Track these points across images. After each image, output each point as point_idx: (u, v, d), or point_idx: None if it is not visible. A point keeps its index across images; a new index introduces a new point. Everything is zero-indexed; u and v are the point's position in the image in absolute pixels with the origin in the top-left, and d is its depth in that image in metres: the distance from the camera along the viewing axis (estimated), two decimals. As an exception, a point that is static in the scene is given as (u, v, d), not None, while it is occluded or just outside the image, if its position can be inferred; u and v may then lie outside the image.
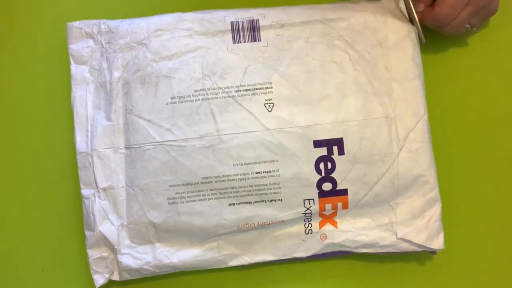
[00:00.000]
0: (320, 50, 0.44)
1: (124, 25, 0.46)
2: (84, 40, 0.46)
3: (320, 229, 0.45)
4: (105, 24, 0.46)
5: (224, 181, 0.43)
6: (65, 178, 0.49)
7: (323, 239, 0.45)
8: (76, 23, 0.46)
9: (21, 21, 0.51)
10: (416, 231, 0.44)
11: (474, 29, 0.47)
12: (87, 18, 0.47)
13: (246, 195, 0.43)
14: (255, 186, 0.43)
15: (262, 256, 0.45)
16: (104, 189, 0.44)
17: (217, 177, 0.43)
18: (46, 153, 0.49)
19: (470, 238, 0.48)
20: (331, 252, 0.45)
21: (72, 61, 0.46)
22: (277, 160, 0.43)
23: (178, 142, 0.43)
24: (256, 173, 0.43)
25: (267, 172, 0.43)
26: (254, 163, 0.43)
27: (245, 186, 0.43)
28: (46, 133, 0.50)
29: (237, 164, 0.43)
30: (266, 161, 0.43)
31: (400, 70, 0.45)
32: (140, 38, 0.45)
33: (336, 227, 0.45)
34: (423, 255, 0.48)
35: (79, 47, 0.46)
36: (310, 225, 0.45)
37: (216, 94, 0.43)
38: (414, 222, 0.44)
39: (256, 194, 0.43)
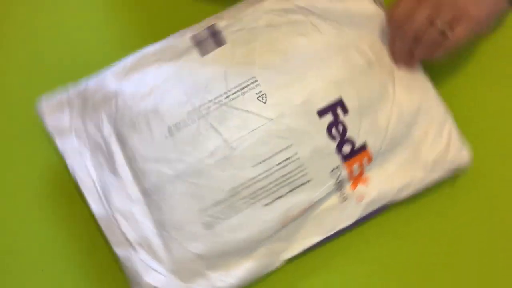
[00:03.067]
0: (283, 29, 0.45)
1: (91, 82, 0.45)
2: (59, 111, 0.45)
3: (354, 190, 0.45)
4: (72, 88, 0.45)
5: (250, 185, 0.42)
6: (64, 178, 0.48)
7: (359, 200, 0.45)
8: (44, 98, 0.45)
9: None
10: (441, 156, 0.45)
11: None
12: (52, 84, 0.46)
13: (276, 190, 0.43)
14: (281, 177, 0.43)
15: (309, 239, 0.45)
16: (138, 243, 0.43)
17: (242, 184, 0.42)
18: (42, 156, 0.49)
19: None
20: (373, 211, 0.45)
21: (56, 137, 0.45)
22: (292, 144, 0.43)
23: (192, 168, 0.42)
24: (277, 164, 0.43)
25: (287, 159, 0.43)
26: (271, 156, 0.43)
27: (272, 182, 0.43)
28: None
29: (256, 164, 0.42)
30: (282, 149, 0.43)
31: (361, 14, 0.46)
32: (112, 88, 0.44)
33: (367, 184, 0.45)
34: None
35: (56, 119, 0.45)
36: (343, 192, 0.45)
37: (208, 108, 0.43)
38: (435, 149, 0.45)
39: (285, 185, 0.43)
